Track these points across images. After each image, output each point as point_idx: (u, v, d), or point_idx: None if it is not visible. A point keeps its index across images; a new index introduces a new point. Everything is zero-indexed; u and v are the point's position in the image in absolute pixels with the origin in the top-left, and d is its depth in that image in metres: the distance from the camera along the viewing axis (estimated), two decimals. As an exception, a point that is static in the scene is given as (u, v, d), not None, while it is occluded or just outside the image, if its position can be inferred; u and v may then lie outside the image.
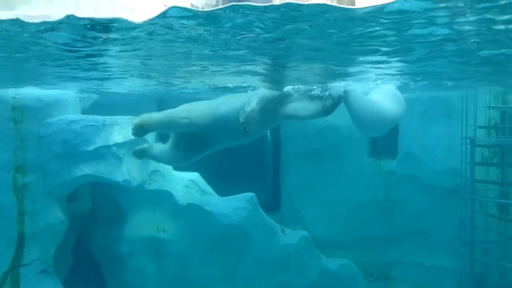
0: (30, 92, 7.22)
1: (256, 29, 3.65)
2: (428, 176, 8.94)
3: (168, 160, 6.03)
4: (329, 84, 5.62)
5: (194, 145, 5.49)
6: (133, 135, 5.50)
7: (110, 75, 6.24)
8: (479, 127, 8.14)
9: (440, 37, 3.92)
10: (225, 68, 5.58)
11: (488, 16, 3.33)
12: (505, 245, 7.98)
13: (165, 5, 5.97)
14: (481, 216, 8.16)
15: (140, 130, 5.43)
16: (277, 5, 3.14)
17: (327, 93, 5.34)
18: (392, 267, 9.36)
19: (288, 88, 5.65)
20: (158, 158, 6.06)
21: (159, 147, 5.88)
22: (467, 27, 3.67)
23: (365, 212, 9.40)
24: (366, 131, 6.66)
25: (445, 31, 3.73)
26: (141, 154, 5.99)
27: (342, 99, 5.24)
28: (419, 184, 9.07)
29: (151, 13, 3.49)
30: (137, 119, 5.39)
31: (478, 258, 7.91)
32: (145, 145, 6.11)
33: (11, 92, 7.01)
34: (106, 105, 8.59)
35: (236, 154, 10.43)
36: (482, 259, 7.92)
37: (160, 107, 9.96)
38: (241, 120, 4.76)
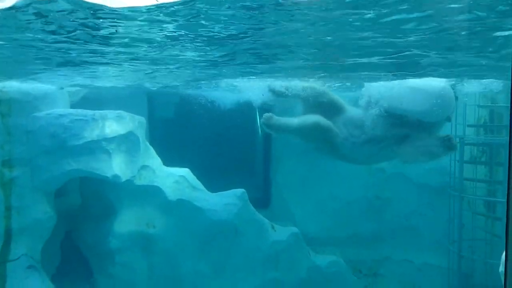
0: (17, 85, 7.11)
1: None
2: (417, 174, 9.00)
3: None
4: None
5: None
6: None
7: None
8: (468, 125, 8.21)
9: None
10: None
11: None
12: (492, 242, 8.07)
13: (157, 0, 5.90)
14: (469, 214, 8.25)
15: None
16: None
17: None
18: (381, 264, 9.42)
19: None
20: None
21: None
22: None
23: (354, 209, 9.44)
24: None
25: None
26: (274, 125, 6.19)
27: None
28: (409, 182, 9.12)
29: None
30: None
31: (466, 256, 7.99)
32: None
33: (-2, 85, 6.91)
34: (95, 100, 8.51)
35: (227, 150, 10.41)
36: (469, 256, 8.01)
37: (151, 102, 9.90)
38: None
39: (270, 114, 6.18)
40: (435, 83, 6.25)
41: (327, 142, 6.25)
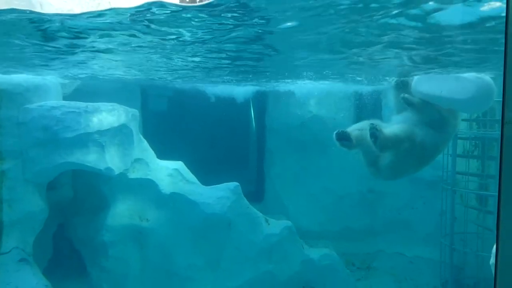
0: (8, 77, 7.02)
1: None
2: (411, 168, 9.03)
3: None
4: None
5: None
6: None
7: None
8: (461, 120, 8.23)
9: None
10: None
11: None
12: (484, 235, 8.14)
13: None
14: (461, 207, 8.30)
15: None
16: None
17: None
18: (374, 257, 9.48)
19: None
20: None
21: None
22: None
23: (348, 203, 9.48)
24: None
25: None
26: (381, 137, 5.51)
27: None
28: (402, 176, 9.16)
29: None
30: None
31: (457, 248, 8.06)
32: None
33: (-12, 77, 6.82)
34: (88, 92, 8.44)
35: (221, 143, 10.39)
36: (461, 249, 8.08)
37: (144, 94, 9.85)
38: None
39: (376, 123, 5.55)
40: (478, 75, 6.05)
41: (415, 145, 5.71)
